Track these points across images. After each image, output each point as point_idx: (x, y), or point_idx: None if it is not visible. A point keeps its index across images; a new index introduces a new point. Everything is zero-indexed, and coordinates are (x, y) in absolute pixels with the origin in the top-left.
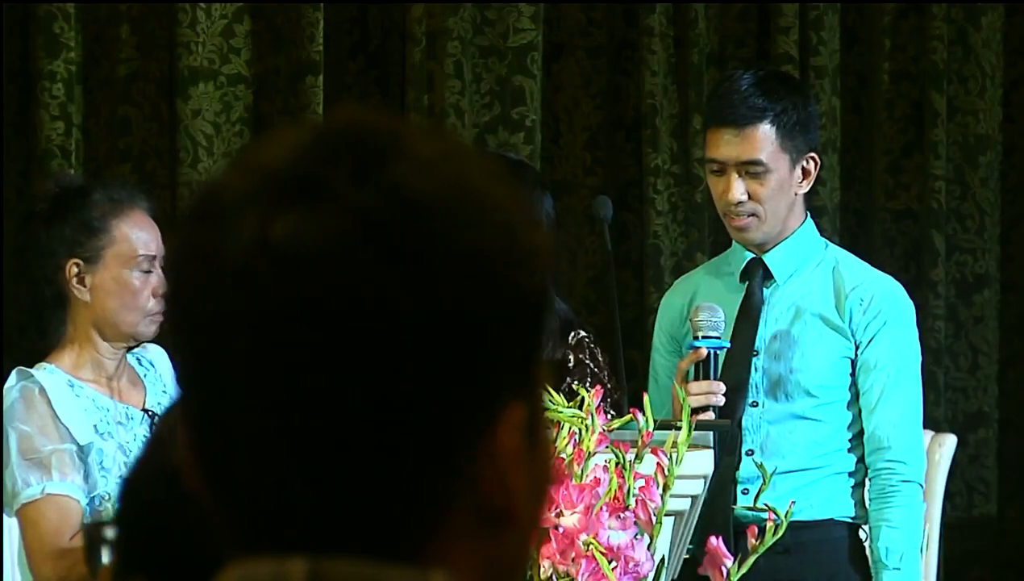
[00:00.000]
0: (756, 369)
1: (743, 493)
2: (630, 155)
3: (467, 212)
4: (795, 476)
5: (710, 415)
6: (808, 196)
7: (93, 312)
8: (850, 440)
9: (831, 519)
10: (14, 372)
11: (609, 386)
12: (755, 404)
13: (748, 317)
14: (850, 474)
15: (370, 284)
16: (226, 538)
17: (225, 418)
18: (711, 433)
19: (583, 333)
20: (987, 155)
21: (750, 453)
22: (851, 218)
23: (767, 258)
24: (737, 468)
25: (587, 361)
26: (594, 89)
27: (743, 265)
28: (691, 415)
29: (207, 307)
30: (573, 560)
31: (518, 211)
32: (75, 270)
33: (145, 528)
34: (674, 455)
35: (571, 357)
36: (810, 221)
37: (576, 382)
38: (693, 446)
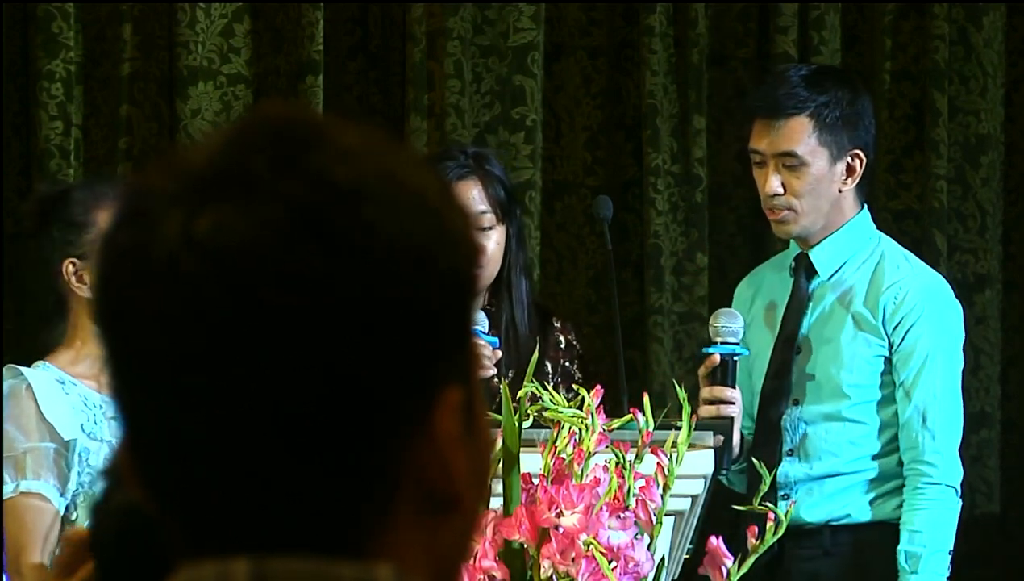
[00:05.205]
0: (795, 366)
1: (783, 499)
2: (630, 155)
3: (394, 198)
4: (834, 480)
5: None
6: None
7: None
8: (888, 442)
9: (870, 522)
10: (5, 369)
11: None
12: (796, 402)
13: (793, 313)
14: (889, 477)
15: (301, 273)
16: (173, 541)
17: (159, 418)
18: (711, 433)
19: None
20: (988, 155)
21: (791, 453)
22: None
23: (812, 253)
24: (776, 467)
25: (575, 342)
26: (594, 89)
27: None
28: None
29: (135, 308)
30: (573, 560)
31: (443, 197)
32: (71, 269)
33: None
34: (674, 455)
35: (561, 339)
36: (864, 214)
37: (567, 363)
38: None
